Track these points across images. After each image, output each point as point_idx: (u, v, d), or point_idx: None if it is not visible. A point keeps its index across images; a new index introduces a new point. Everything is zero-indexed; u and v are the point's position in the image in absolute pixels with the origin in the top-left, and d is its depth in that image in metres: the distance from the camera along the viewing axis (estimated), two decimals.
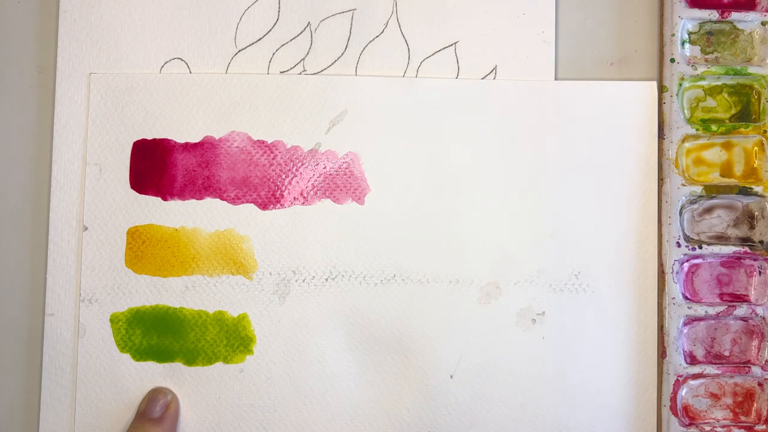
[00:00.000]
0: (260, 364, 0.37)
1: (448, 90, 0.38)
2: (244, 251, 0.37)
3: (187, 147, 0.38)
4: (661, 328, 0.37)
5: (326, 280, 0.37)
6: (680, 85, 0.38)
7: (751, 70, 0.38)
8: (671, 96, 0.38)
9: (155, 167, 0.38)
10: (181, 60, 0.38)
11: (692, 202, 0.38)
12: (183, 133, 0.38)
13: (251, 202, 0.38)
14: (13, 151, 0.38)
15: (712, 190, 0.38)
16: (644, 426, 0.37)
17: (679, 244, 0.37)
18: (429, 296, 0.37)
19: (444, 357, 0.37)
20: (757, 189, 0.37)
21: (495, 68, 0.38)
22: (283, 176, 0.38)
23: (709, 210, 0.38)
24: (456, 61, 0.38)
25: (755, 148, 0.38)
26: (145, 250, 0.37)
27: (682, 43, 0.38)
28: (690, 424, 0.37)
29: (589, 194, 0.38)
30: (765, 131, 0.38)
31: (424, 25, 0.38)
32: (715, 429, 0.37)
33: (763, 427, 0.37)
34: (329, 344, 0.37)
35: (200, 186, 0.38)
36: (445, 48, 0.38)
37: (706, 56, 0.38)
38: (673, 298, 0.37)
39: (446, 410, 0.37)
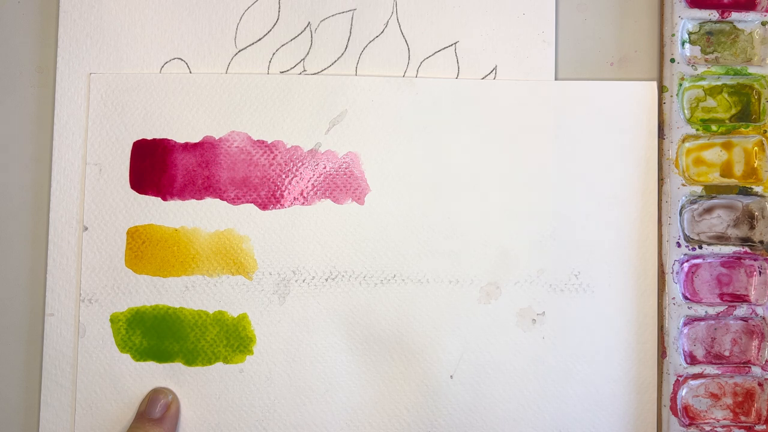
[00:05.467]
0: (260, 364, 0.37)
1: (448, 90, 0.38)
2: (244, 251, 0.37)
3: (187, 147, 0.38)
4: (661, 328, 0.37)
5: (326, 280, 0.37)
6: (680, 85, 0.38)
7: (751, 70, 0.38)
8: (671, 96, 0.38)
9: (155, 167, 0.38)
10: (181, 60, 0.38)
11: (692, 202, 0.38)
12: (183, 133, 0.38)
13: (251, 202, 0.38)
14: (13, 151, 0.38)
15: (712, 190, 0.38)
16: (644, 426, 0.37)
17: (679, 244, 0.37)
18: (429, 296, 0.37)
19: (444, 357, 0.37)
20: (757, 189, 0.37)
21: (495, 68, 0.38)
22: (283, 176, 0.38)
23: (709, 210, 0.38)
24: (456, 61, 0.38)
25: (755, 148, 0.38)
26: (145, 250, 0.37)
27: (682, 43, 0.38)
28: (690, 424, 0.37)
29: (589, 194, 0.38)
30: (765, 131, 0.38)
31: (424, 25, 0.38)
32: (715, 429, 0.37)
33: (763, 427, 0.37)
34: (329, 344, 0.37)
35: (200, 186, 0.38)
36: (445, 48, 0.38)
37: (706, 56, 0.38)
38: (673, 298, 0.37)
39: (446, 410, 0.37)
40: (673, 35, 0.38)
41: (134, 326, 0.37)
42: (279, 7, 0.38)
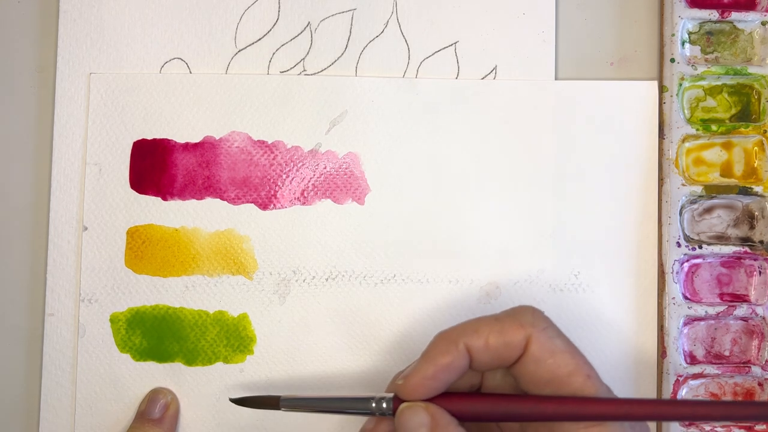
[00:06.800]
0: (260, 364, 0.37)
1: (448, 90, 0.38)
2: (244, 251, 0.37)
3: (188, 147, 0.38)
4: (661, 328, 0.37)
5: (326, 280, 0.38)
6: (680, 85, 0.38)
7: (751, 70, 0.38)
8: (671, 96, 0.38)
9: (155, 167, 0.38)
10: (181, 60, 0.38)
11: (692, 202, 0.38)
12: (183, 133, 0.38)
13: (251, 202, 0.38)
14: (13, 151, 0.38)
15: (712, 190, 0.38)
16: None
17: (679, 244, 0.37)
18: (429, 296, 0.37)
19: None
20: (757, 189, 0.37)
21: (495, 68, 0.38)
22: (284, 176, 0.38)
23: (709, 210, 0.38)
24: (456, 61, 0.38)
25: (755, 148, 0.38)
26: (145, 250, 0.37)
27: (682, 43, 0.38)
28: (690, 424, 0.37)
29: (589, 194, 0.38)
30: (765, 131, 0.38)
31: (424, 25, 0.38)
32: (715, 429, 0.37)
33: (764, 427, 0.37)
34: (329, 344, 0.37)
35: (200, 186, 0.38)
36: (445, 48, 0.38)
37: (706, 56, 0.38)
38: (673, 298, 0.37)
39: None
40: (673, 35, 0.38)
41: (134, 326, 0.37)
42: (279, 7, 0.38)
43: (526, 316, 0.30)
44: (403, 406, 0.30)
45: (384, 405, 0.31)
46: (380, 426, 0.31)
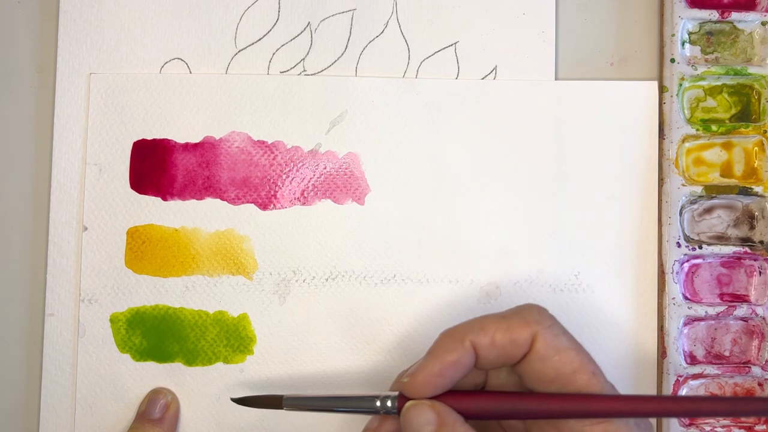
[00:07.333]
0: (260, 364, 0.37)
1: (448, 90, 0.38)
2: (244, 251, 0.37)
3: (188, 147, 0.38)
4: (661, 328, 0.37)
5: (326, 280, 0.38)
6: (680, 85, 0.38)
7: (751, 70, 0.38)
8: (671, 96, 0.38)
9: (155, 167, 0.38)
10: (181, 60, 0.38)
11: (692, 203, 0.38)
12: (183, 133, 0.38)
13: (251, 203, 0.38)
14: (13, 151, 0.38)
15: (712, 191, 0.38)
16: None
17: (679, 245, 0.37)
18: (429, 296, 0.38)
19: None
20: (757, 189, 0.37)
21: (495, 68, 0.38)
22: (284, 176, 0.38)
23: (709, 210, 0.38)
24: (456, 61, 0.38)
25: (755, 148, 0.38)
26: (145, 250, 0.37)
27: (682, 43, 0.38)
28: (690, 424, 0.37)
29: (589, 194, 0.38)
30: (765, 131, 0.38)
31: (424, 25, 0.38)
32: (715, 429, 0.37)
33: (764, 427, 0.37)
34: (329, 344, 0.37)
35: (200, 186, 0.38)
36: (445, 48, 0.38)
37: (706, 56, 0.38)
38: (673, 298, 0.37)
39: None
40: (673, 35, 0.38)
41: (134, 326, 0.37)
42: (279, 7, 0.38)
43: (531, 313, 0.30)
44: (408, 404, 0.30)
45: (389, 403, 0.31)
46: (384, 425, 0.31)
